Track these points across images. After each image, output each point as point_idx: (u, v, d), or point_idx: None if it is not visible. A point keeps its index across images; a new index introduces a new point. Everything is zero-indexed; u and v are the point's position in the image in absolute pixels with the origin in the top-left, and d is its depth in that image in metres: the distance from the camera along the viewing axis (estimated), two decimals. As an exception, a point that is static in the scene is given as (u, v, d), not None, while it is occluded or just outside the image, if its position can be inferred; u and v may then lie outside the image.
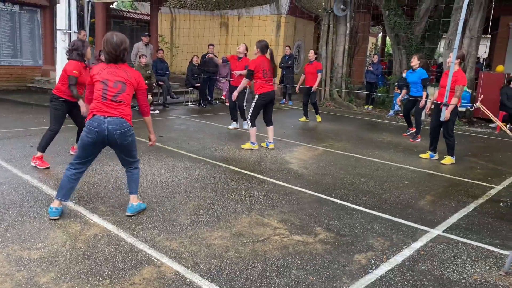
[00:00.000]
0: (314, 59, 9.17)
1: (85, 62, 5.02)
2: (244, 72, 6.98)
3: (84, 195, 4.02)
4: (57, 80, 5.12)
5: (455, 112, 6.00)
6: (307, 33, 17.55)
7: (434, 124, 6.26)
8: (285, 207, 4.00)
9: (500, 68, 11.34)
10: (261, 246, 3.13)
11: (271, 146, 6.55)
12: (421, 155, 6.59)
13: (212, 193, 4.28)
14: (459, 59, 5.86)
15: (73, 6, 7.78)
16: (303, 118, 9.50)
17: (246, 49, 7.83)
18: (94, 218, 3.48)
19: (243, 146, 6.50)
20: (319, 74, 9.04)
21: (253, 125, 6.44)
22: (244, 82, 6.49)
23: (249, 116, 6.43)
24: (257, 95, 6.35)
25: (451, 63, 5.74)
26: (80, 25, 9.15)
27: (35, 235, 3.12)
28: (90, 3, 8.65)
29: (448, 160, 6.20)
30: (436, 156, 6.45)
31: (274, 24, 15.33)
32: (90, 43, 10.46)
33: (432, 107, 6.40)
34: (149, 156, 5.65)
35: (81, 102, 4.90)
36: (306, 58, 17.46)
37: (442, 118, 5.82)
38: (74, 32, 7.89)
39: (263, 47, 6.28)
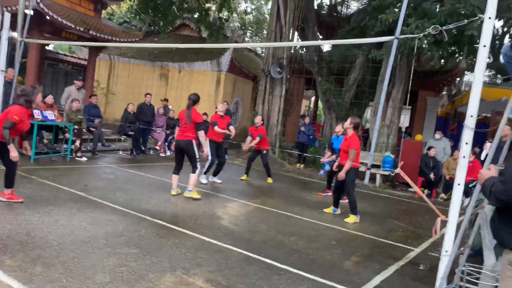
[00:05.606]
0: (260, 124, 9.28)
1: (32, 110, 4.98)
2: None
3: (-11, 248, 3.61)
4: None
5: (353, 173, 6.55)
6: (246, 91, 18.15)
7: (337, 183, 6.81)
8: (213, 266, 3.87)
9: (419, 137, 12.38)
10: (183, 309, 2.96)
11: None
12: (325, 210, 7.02)
13: (136, 249, 4.04)
14: (352, 125, 6.56)
15: (3, 44, 7.44)
16: (244, 177, 9.33)
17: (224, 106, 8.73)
18: (-3, 275, 3.12)
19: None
20: (258, 138, 9.08)
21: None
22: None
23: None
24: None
25: (348, 128, 6.56)
26: (10, 64, 8.72)
27: None
28: (23, 42, 8.33)
29: (352, 218, 6.49)
30: (338, 211, 6.94)
31: (214, 79, 15.72)
32: (19, 83, 9.94)
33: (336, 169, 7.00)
34: (70, 206, 5.28)
35: (11, 147, 4.78)
36: (243, 114, 17.93)
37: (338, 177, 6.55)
38: (2, 70, 7.48)
39: None
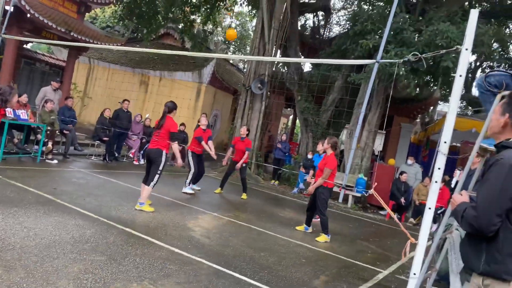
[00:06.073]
0: (245, 136, 8.95)
1: (6, 109, 4.83)
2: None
3: None
4: None
5: (327, 193, 6.59)
6: (225, 104, 18.18)
7: (310, 202, 6.92)
8: (181, 278, 3.80)
9: (391, 162, 12.63)
10: (148, 320, 2.88)
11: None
12: (297, 227, 7.05)
13: (103, 257, 3.92)
14: (329, 145, 6.65)
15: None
16: (218, 190, 9.15)
17: (207, 120, 8.91)
18: (-47, 276, 2.96)
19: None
20: (247, 152, 8.84)
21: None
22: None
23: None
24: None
25: (327, 149, 6.70)
26: (-16, 59, 8.49)
27: None
28: (0, 38, 8.13)
29: (323, 238, 6.54)
30: (310, 230, 6.98)
31: (194, 90, 15.68)
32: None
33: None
34: (36, 208, 5.10)
35: None
36: (222, 127, 17.92)
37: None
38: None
39: None
